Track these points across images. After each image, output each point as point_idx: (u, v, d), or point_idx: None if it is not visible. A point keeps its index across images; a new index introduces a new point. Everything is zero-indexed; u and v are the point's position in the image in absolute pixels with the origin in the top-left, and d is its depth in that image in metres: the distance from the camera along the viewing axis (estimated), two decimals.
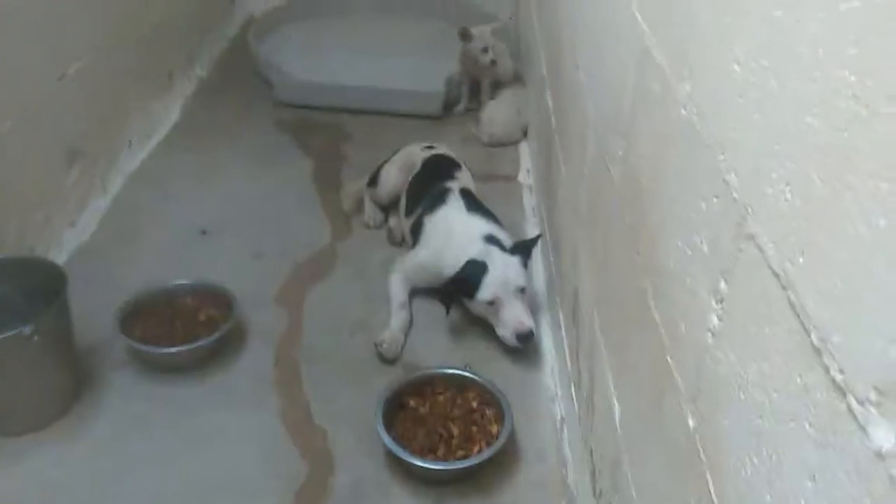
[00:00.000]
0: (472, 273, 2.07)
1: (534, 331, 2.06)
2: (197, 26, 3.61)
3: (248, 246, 2.51)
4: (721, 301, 0.88)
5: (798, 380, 0.67)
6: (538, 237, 2.28)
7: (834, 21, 0.63)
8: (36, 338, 1.73)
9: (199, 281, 2.22)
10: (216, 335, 2.03)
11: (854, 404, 0.57)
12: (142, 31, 2.99)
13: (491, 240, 2.17)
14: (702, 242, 0.96)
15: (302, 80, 3.39)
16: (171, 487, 1.72)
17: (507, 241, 2.23)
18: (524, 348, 2.08)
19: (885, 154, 0.55)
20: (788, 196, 0.71)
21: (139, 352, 2.02)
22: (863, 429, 0.55)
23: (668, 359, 1.08)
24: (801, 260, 0.67)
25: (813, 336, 0.64)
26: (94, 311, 2.10)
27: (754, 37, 0.80)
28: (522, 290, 2.09)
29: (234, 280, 2.23)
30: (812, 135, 0.67)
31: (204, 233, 2.58)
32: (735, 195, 0.85)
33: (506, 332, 2.07)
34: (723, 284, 0.88)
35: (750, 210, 0.80)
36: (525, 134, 3.21)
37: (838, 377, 0.59)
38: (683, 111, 1.06)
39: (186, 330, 2.09)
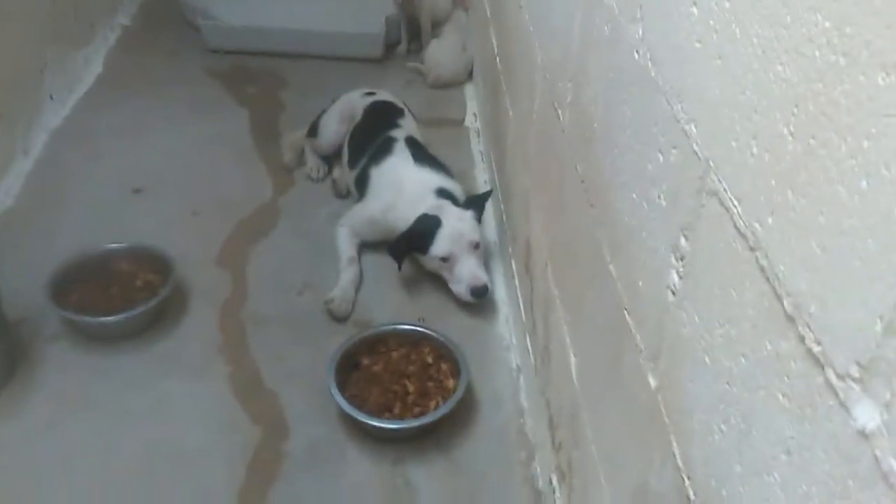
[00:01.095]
0: (426, 229, 2.02)
1: (488, 286, 2.03)
2: None
3: (184, 204, 2.39)
4: (682, 259, 0.84)
5: (769, 347, 0.63)
6: (490, 192, 2.23)
7: None
8: None
9: (134, 244, 2.10)
10: (155, 300, 1.94)
11: (833, 379, 0.53)
12: None
13: (443, 193, 2.12)
14: (660, 196, 0.91)
15: (231, 24, 3.21)
16: (117, 466, 1.64)
17: (459, 192, 2.17)
18: (479, 303, 2.05)
19: (865, 108, 0.50)
20: (755, 151, 0.66)
21: (74, 322, 1.92)
22: (844, 405, 0.52)
23: (626, 315, 1.04)
24: (770, 221, 0.63)
25: (786, 302, 0.60)
26: (23, 280, 1.97)
27: None
28: (476, 246, 2.04)
29: (172, 241, 2.13)
30: (781, 85, 0.62)
31: (137, 191, 2.45)
32: (696, 147, 0.80)
33: (460, 287, 2.03)
34: (683, 241, 0.84)
35: (712, 164, 0.76)
36: (471, 73, 3.12)
37: (815, 348, 0.56)
38: (636, 55, 1.01)
39: (123, 296, 1.99)
